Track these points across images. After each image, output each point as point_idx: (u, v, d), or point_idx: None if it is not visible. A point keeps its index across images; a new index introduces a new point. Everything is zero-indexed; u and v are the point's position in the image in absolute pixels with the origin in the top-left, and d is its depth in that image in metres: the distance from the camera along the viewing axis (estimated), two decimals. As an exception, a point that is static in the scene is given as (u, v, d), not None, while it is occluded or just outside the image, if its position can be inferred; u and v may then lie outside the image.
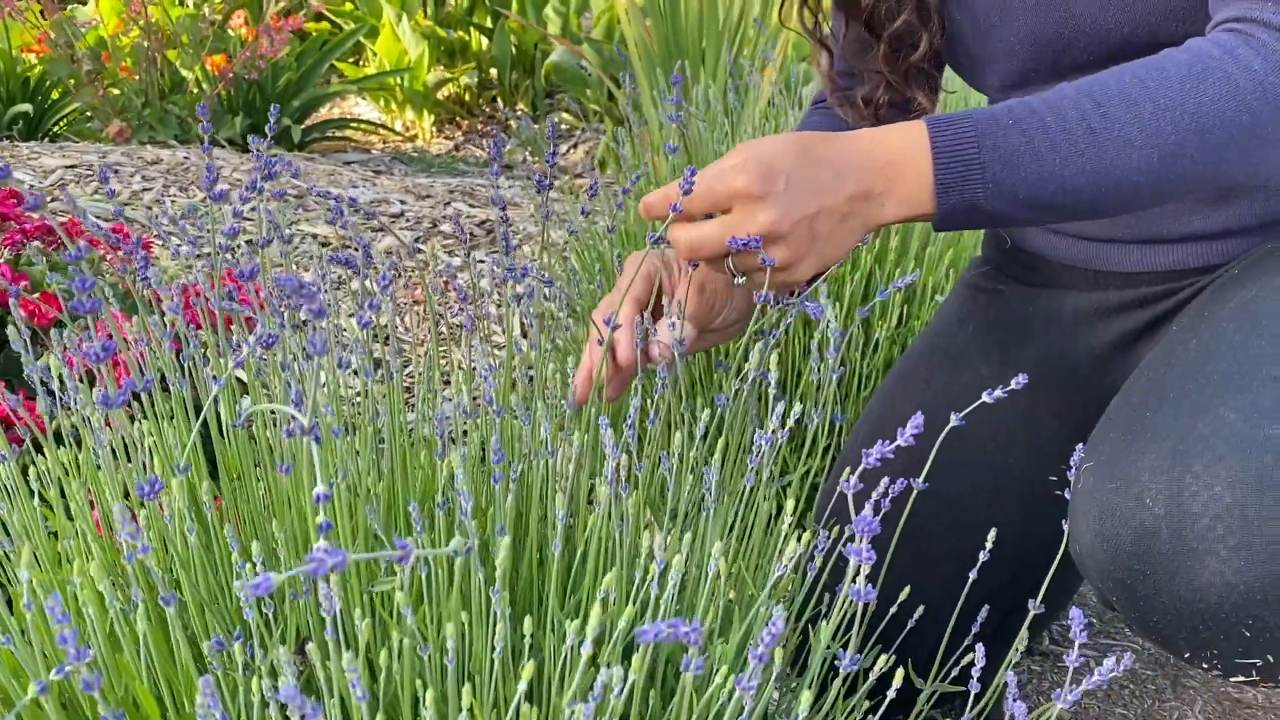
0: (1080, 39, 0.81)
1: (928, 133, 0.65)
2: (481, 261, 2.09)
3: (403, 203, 2.37)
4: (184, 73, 3.08)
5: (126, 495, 0.69)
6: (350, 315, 1.89)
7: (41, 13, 2.97)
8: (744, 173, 0.64)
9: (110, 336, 1.11)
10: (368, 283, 0.79)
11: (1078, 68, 0.82)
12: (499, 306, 1.99)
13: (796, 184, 0.64)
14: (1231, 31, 0.66)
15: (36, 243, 1.39)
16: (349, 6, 3.76)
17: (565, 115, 3.73)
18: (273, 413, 0.67)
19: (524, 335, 1.53)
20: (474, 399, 0.76)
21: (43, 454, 0.73)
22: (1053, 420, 0.95)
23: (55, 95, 2.99)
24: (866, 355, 1.35)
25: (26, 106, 2.87)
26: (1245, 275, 0.77)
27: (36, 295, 1.21)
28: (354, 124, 3.42)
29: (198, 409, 0.73)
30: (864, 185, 0.65)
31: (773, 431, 0.61)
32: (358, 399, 1.13)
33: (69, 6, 3.87)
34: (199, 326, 1.25)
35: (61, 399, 0.72)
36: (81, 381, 0.73)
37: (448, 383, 1.73)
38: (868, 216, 0.67)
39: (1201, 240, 0.87)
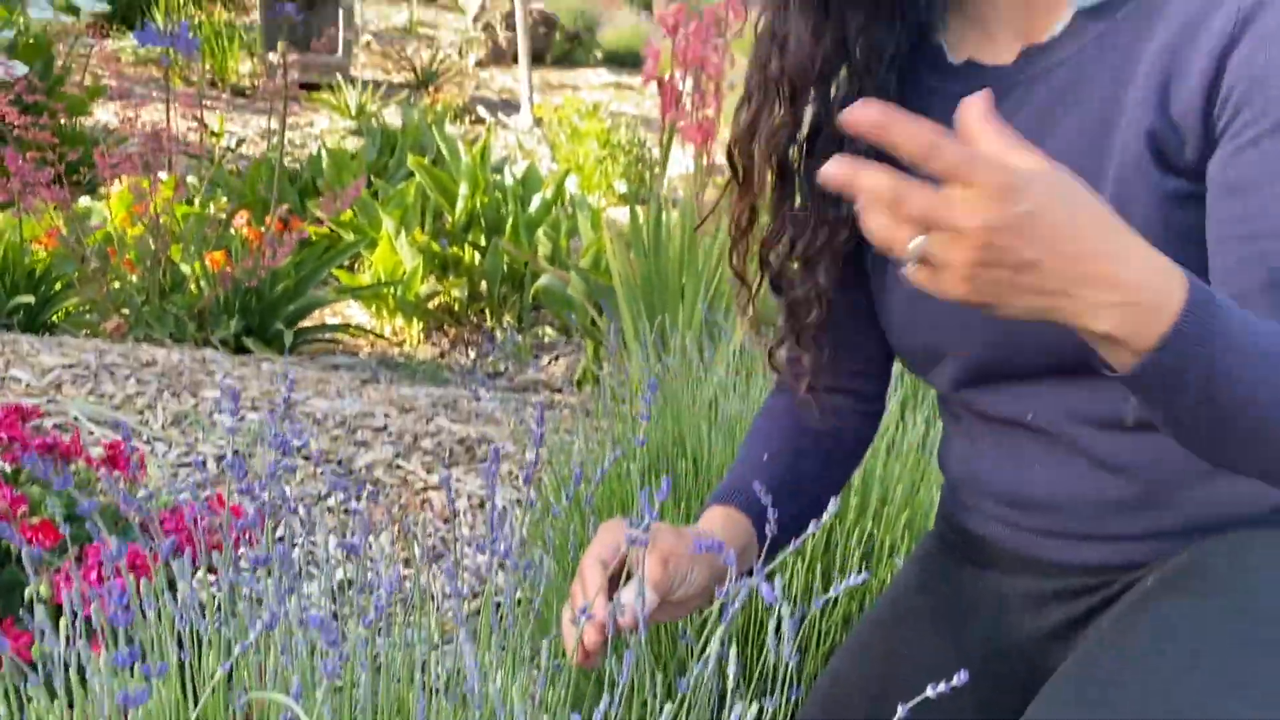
0: (1025, 351, 0.89)
1: (1186, 281, 0.61)
2: (459, 481, 2.15)
3: (387, 416, 2.45)
4: (183, 268, 3.20)
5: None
6: (330, 532, 1.93)
7: (57, 207, 3.12)
8: (1003, 172, 0.57)
9: (100, 575, 1.15)
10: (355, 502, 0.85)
11: (1020, 377, 0.90)
12: (473, 528, 2.04)
13: (1042, 214, 0.58)
14: None
15: (37, 459, 1.44)
16: (348, 215, 3.96)
17: (549, 329, 3.88)
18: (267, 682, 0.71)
19: (500, 567, 1.57)
20: (444, 633, 0.81)
21: (30, 700, 0.77)
22: (1001, 690, 1.00)
23: (58, 287, 3.11)
24: (826, 610, 1.40)
25: (29, 298, 2.97)
26: (1160, 589, 0.84)
27: (34, 519, 1.25)
28: (344, 329, 3.54)
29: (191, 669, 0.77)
30: (1104, 277, 0.59)
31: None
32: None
33: (78, 199, 4.05)
34: (192, 550, 1.29)
35: (63, 658, 0.76)
36: (80, 638, 0.78)
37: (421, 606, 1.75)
38: (1072, 311, 0.60)
39: (1125, 541, 0.94)
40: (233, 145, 5.57)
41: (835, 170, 0.58)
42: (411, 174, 4.04)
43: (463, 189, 3.86)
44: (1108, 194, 0.78)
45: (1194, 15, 0.77)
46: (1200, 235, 0.78)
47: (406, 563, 1.84)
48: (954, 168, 0.57)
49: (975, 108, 0.60)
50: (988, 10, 0.88)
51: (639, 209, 2.91)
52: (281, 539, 1.33)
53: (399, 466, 2.17)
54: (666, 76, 2.77)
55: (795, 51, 0.89)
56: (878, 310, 0.98)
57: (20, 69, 4.16)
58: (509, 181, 3.96)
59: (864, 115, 0.57)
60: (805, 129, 0.94)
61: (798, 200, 0.95)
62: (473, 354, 3.82)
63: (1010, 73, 0.87)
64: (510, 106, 8.16)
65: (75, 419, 2.09)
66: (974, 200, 0.57)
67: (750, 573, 0.96)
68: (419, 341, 3.80)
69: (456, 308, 3.95)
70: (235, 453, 0.87)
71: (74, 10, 5.15)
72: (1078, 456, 0.89)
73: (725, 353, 2.10)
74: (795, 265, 0.96)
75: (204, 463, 2.05)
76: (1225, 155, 0.75)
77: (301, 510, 1.43)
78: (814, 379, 1.04)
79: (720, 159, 3.19)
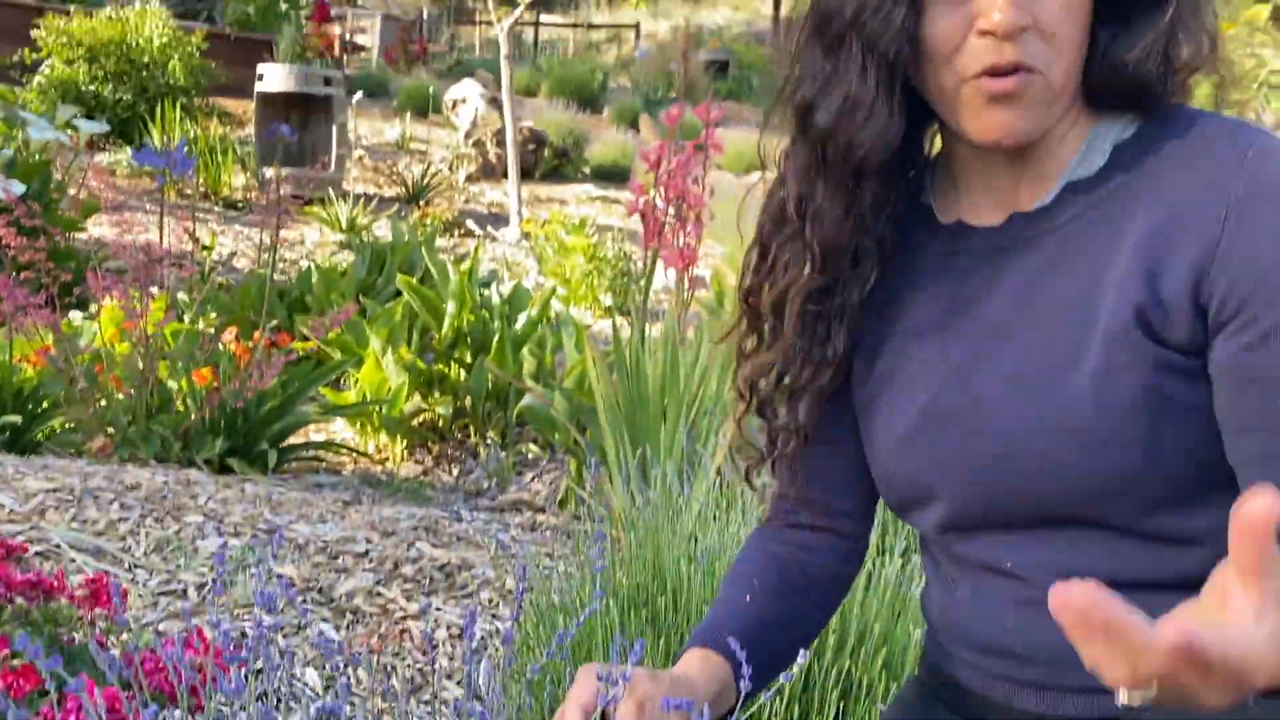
0: (1011, 502, 0.88)
1: None
2: (439, 610, 2.15)
3: (368, 540, 2.45)
4: (170, 384, 3.23)
5: None
6: (307, 664, 1.92)
7: (48, 328, 3.16)
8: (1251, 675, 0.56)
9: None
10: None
11: (1005, 526, 0.90)
12: (451, 659, 2.03)
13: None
14: None
15: (20, 599, 1.45)
16: (335, 333, 4.01)
17: (532, 446, 3.91)
18: None
19: (479, 700, 1.57)
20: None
21: None
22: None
23: (45, 406, 3.13)
24: (804, 754, 1.41)
25: (16, 418, 2.99)
26: None
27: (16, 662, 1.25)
28: (328, 447, 3.56)
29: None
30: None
31: None
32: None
33: (69, 315, 4.10)
34: (171, 696, 1.29)
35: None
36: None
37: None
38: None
39: (1099, 694, 0.96)
40: (223, 259, 5.66)
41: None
42: (399, 292, 4.11)
43: (450, 307, 3.93)
44: (1095, 357, 0.81)
45: (1185, 199, 0.80)
46: (1189, 406, 0.80)
47: (384, 695, 1.83)
48: (1221, 669, 0.55)
49: (1258, 534, 0.54)
50: (976, 179, 0.92)
51: (621, 324, 2.97)
52: (260, 671, 1.33)
53: (379, 594, 2.17)
54: (650, 196, 2.87)
55: (830, 228, 0.92)
56: (866, 452, 1.00)
57: (18, 188, 4.25)
58: (496, 300, 4.04)
59: (1177, 639, 0.53)
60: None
61: (789, 336, 0.98)
62: (456, 471, 3.84)
63: (998, 235, 0.91)
64: (499, 220, 8.33)
65: (58, 546, 2.09)
66: (1219, 690, 0.56)
67: (730, 712, 0.97)
68: (402, 459, 3.82)
69: (440, 424, 3.98)
70: (218, 583, 0.88)
71: (73, 128, 5.28)
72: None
73: (704, 482, 2.13)
74: (781, 395, 1.00)
75: (185, 591, 2.06)
76: (1236, 348, 0.78)
77: (281, 640, 1.42)
78: (784, 506, 1.05)
79: (701, 271, 3.23)
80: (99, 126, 5.25)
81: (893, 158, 0.91)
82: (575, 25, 19.70)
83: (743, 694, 0.97)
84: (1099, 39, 0.85)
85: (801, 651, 1.08)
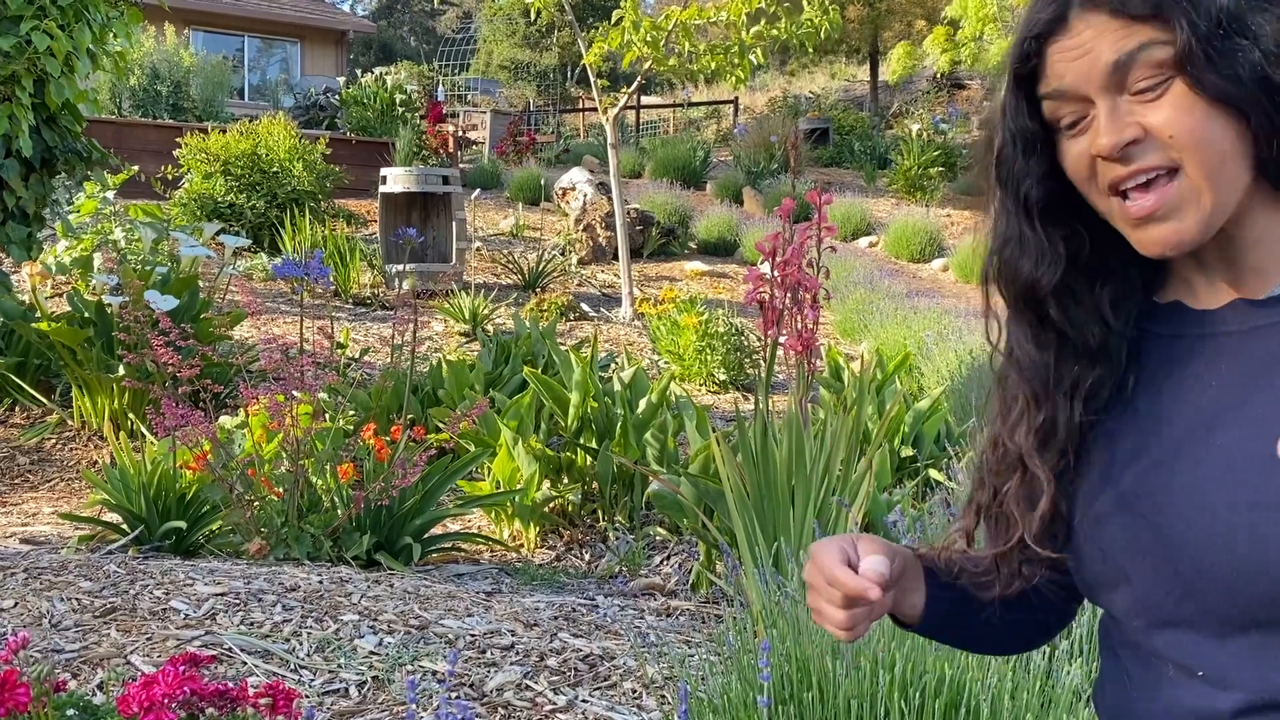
0: (1209, 591, 0.83)
1: None
2: (586, 701, 2.21)
3: (513, 633, 2.54)
4: (314, 480, 3.41)
5: None
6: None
7: (206, 439, 3.38)
8: None
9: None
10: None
11: (1203, 623, 0.84)
12: (602, 753, 2.08)
13: None
14: None
15: (210, 709, 1.57)
16: (464, 426, 4.16)
17: (660, 529, 3.96)
18: None
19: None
20: None
21: None
22: None
23: (205, 510, 3.34)
24: None
25: (181, 523, 3.19)
26: None
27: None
28: (466, 537, 3.69)
29: None
30: None
31: None
32: None
33: (220, 418, 4.36)
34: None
35: None
36: None
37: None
38: None
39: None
40: (356, 356, 5.93)
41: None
42: (525, 382, 4.26)
43: (574, 396, 4.04)
44: None
45: None
46: None
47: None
48: None
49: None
50: (1190, 265, 0.91)
51: (736, 400, 3.02)
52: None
53: (528, 687, 2.25)
54: (765, 285, 2.94)
55: (1025, 361, 0.94)
56: (1060, 528, 0.95)
57: (169, 303, 4.57)
58: (617, 386, 4.14)
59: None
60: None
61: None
62: (587, 556, 3.92)
63: (1218, 319, 0.89)
64: (612, 300, 8.51)
65: (230, 650, 2.23)
66: None
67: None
68: (535, 545, 3.92)
69: (569, 509, 4.08)
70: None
71: (218, 243, 5.65)
72: None
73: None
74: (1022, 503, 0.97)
75: (347, 690, 2.17)
76: None
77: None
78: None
79: (817, 364, 3.23)
80: (241, 241, 5.60)
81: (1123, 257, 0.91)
82: (675, 105, 20.13)
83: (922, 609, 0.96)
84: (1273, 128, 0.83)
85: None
